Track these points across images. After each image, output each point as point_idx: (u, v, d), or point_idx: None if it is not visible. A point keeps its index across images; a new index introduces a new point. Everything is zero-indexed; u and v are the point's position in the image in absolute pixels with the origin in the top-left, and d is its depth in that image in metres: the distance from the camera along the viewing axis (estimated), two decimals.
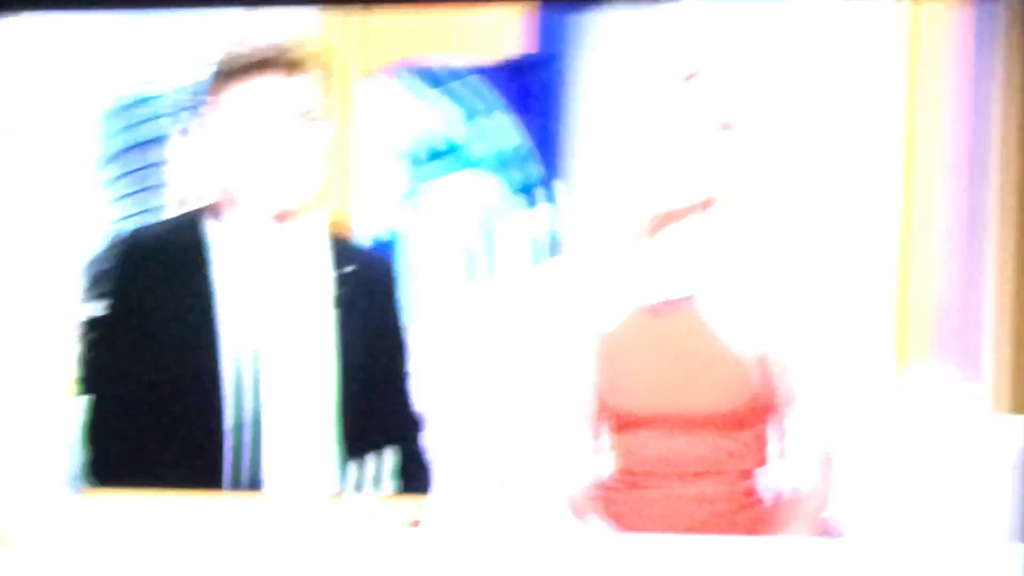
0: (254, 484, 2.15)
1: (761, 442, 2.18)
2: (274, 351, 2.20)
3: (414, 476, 2.25)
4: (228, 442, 2.16)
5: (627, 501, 2.16)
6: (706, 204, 2.16)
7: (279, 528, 1.68)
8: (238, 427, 2.16)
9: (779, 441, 2.19)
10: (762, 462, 2.18)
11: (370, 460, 2.26)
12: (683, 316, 2.16)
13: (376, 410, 2.24)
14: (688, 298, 2.16)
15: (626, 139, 2.17)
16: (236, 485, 2.14)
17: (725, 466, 2.14)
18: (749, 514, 2.15)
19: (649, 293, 2.18)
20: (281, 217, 2.22)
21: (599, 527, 2.13)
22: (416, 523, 1.95)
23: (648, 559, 1.66)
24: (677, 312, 2.16)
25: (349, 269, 2.25)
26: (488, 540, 1.69)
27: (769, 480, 2.18)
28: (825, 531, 2.16)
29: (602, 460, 2.22)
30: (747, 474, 2.17)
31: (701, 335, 2.14)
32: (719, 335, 2.14)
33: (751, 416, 2.14)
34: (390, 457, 2.28)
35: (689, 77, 2.14)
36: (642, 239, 2.18)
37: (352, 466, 2.22)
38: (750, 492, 2.17)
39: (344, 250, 2.27)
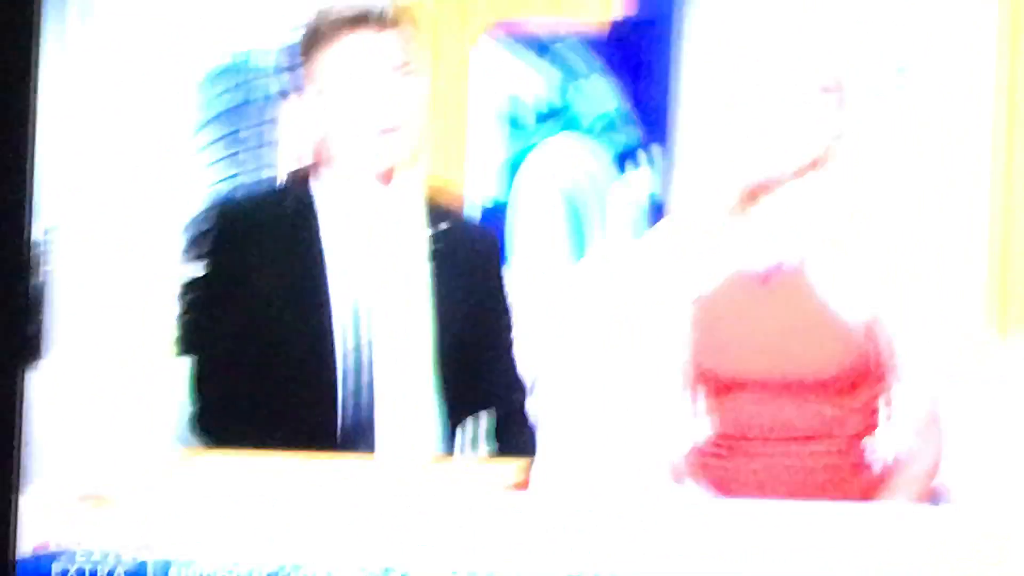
0: (364, 444, 2.17)
1: (870, 408, 2.16)
2: (379, 311, 2.21)
3: (514, 438, 2.25)
4: (339, 402, 2.17)
5: (726, 466, 2.15)
6: (811, 167, 2.14)
7: (385, 490, 1.69)
8: (348, 387, 2.18)
9: (887, 407, 2.17)
10: (871, 428, 2.17)
11: (470, 422, 2.27)
12: (790, 280, 2.14)
13: (475, 371, 2.24)
14: (795, 262, 2.15)
15: (728, 102, 2.15)
16: (347, 445, 2.16)
17: (831, 432, 2.13)
18: (857, 481, 2.14)
19: (753, 257, 2.16)
20: (380, 176, 2.22)
21: (697, 492, 2.13)
22: (518, 485, 1.96)
23: (747, 524, 1.65)
24: (783, 276, 2.15)
25: (444, 227, 2.25)
26: (589, 504, 1.69)
27: (878, 446, 2.17)
28: (934, 498, 2.15)
29: (700, 425, 2.21)
30: (855, 440, 2.16)
31: (808, 299, 2.13)
32: (826, 300, 2.12)
33: (858, 381, 2.13)
34: (490, 419, 2.29)
35: (792, 40, 2.12)
36: (747, 203, 2.17)
37: (453, 427, 2.22)
38: (858, 459, 2.16)
39: (441, 210, 2.27)
